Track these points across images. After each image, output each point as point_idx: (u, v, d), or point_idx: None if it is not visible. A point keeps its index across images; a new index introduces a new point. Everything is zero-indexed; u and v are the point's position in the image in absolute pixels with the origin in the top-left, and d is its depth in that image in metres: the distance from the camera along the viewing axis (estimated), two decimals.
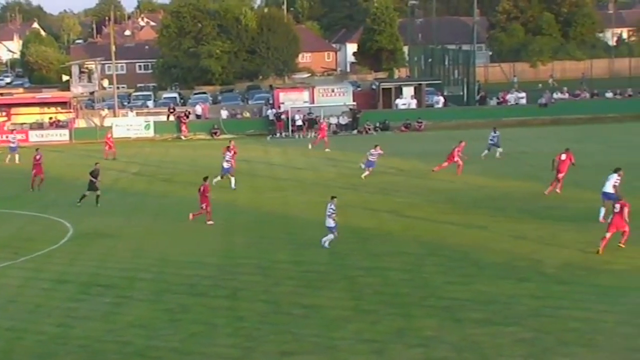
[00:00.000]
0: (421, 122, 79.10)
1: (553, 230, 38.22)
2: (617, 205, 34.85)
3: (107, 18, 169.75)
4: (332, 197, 36.47)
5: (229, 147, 52.12)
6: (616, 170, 39.95)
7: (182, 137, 78.93)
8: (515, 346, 24.77)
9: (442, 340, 25.41)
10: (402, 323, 26.97)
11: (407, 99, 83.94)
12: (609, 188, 39.21)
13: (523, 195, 46.28)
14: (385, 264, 33.91)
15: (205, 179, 42.53)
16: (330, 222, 35.96)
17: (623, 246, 34.38)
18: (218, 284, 31.99)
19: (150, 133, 79.45)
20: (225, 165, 50.71)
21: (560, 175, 46.32)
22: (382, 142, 63.30)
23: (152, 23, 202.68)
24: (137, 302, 30.17)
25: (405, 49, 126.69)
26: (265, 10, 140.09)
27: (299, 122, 77.70)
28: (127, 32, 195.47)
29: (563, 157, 46.88)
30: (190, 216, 42.16)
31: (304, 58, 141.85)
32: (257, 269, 33.92)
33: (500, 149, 58.88)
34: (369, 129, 77.71)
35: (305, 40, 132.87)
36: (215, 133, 79.10)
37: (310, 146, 66.84)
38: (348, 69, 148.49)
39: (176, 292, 31.08)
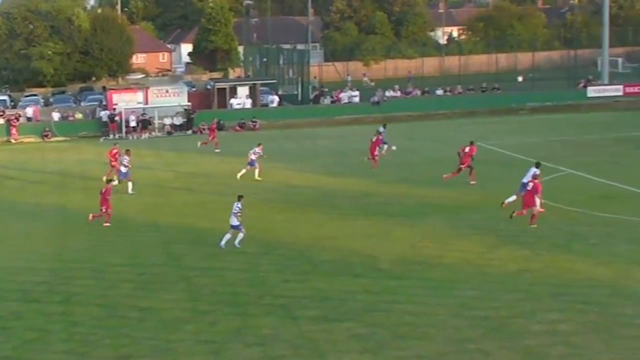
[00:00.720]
0: (256, 122, 79.31)
1: (386, 226, 38.95)
2: (530, 184, 37.65)
3: None
4: (239, 197, 36.24)
5: (128, 150, 51.04)
6: (537, 165, 41.44)
7: (12, 141, 77.02)
8: (351, 341, 25.16)
9: (279, 338, 25.61)
10: (240, 322, 27.06)
11: (241, 99, 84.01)
12: (526, 178, 40.26)
13: (357, 192, 46.93)
14: (222, 263, 33.93)
15: (108, 181, 42.64)
16: (235, 221, 35.70)
17: (514, 216, 37.81)
18: (52, 289, 31.43)
19: None
20: (123, 169, 49.83)
21: (463, 166, 47.87)
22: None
23: None
24: None
25: (241, 48, 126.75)
26: (99, 10, 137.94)
27: (133, 124, 76.85)
28: None
29: (467, 149, 48.33)
30: (90, 217, 41.23)
31: (138, 59, 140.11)
32: (91, 272, 33.45)
33: (385, 146, 59.16)
34: (204, 129, 77.44)
35: (139, 41, 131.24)
36: (47, 136, 77.52)
37: (216, 150, 64.62)
38: (183, 69, 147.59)
39: (8, 299, 30.39)
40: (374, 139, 54.97)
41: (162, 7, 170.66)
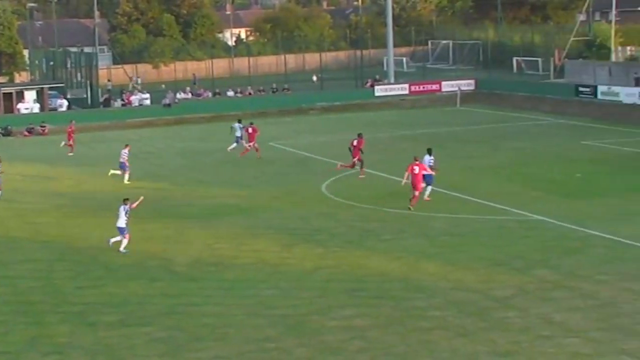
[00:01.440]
0: (45, 126, 77.47)
1: (181, 228, 38.85)
2: (416, 167, 40.77)
3: None
4: (125, 200, 35.45)
5: None
6: (429, 152, 44.34)
7: None
8: (149, 346, 24.98)
9: (75, 345, 25.17)
10: (35, 331, 26.46)
11: (29, 103, 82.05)
12: (427, 170, 42.48)
13: (150, 195, 46.39)
14: (14, 272, 33.10)
15: None
16: (122, 223, 34.90)
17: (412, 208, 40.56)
18: None
19: None
20: None
21: (355, 160, 49.06)
22: (4, 149, 61.53)
23: None
24: None
25: (26, 52, 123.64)
26: None
27: None
28: None
29: (355, 142, 49.44)
30: None
31: None
32: None
33: (235, 144, 58.72)
34: None
35: None
36: None
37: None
38: None
39: None
40: (250, 130, 56.10)
41: None
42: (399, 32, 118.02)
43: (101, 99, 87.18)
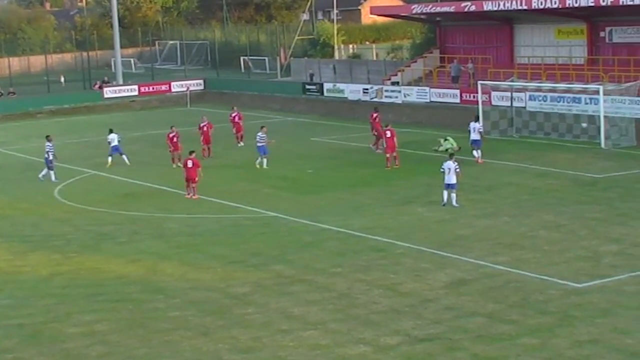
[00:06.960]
0: None
1: None
2: (388, 132, 47.48)
3: None
4: (451, 154, 39.93)
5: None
6: (477, 119, 49.85)
7: None
8: None
9: None
10: None
11: None
12: (476, 136, 48.65)
13: None
14: None
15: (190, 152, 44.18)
16: (453, 179, 38.07)
17: (398, 166, 47.36)
18: None
19: None
20: None
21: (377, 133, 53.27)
22: None
23: None
24: None
25: None
26: None
27: None
28: None
29: (374, 115, 54.65)
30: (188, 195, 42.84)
31: None
32: None
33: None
34: None
35: None
36: None
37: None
38: None
39: None
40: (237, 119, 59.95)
41: None
42: (125, 33, 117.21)
43: None
